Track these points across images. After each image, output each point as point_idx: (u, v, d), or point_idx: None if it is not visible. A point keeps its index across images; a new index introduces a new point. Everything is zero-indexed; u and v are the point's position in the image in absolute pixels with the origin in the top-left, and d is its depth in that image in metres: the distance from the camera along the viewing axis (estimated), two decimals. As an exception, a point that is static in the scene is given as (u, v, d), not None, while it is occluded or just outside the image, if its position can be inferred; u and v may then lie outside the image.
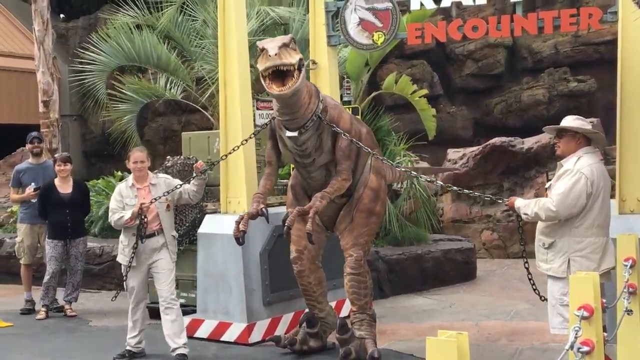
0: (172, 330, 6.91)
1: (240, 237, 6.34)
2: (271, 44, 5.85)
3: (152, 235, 6.91)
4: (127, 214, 6.83)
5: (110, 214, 7.06)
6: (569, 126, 5.42)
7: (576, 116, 5.59)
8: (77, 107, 25.85)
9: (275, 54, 5.72)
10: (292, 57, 5.85)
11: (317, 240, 6.83)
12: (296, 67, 5.86)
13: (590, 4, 13.42)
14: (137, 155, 7.06)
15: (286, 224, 6.23)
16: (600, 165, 5.37)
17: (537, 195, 12.14)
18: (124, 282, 7.04)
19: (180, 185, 7.12)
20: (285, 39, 5.98)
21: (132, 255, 6.85)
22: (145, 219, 6.80)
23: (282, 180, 9.25)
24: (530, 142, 12.51)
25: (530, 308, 8.74)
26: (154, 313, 8.67)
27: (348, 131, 6.44)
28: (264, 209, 6.41)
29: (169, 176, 7.37)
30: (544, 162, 12.35)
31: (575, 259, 5.35)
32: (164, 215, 6.99)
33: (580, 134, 5.36)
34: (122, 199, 6.97)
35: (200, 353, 7.16)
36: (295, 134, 6.30)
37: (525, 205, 5.52)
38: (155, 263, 6.96)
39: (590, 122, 5.70)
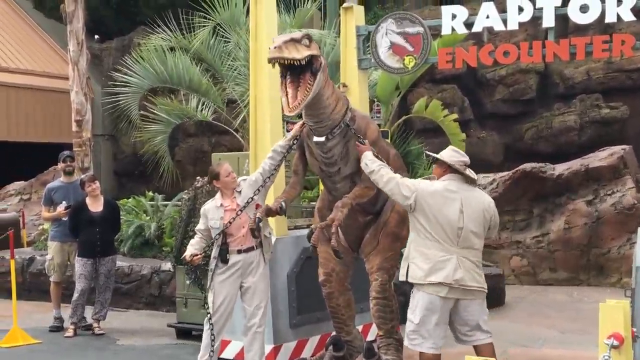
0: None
1: (255, 228, 6.27)
2: (277, 39, 5.80)
3: (249, 249, 6.63)
4: (188, 252, 6.59)
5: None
6: (437, 156, 5.97)
7: (452, 148, 6.02)
8: (110, 127, 26.17)
9: (276, 47, 5.65)
10: (298, 52, 5.70)
11: (344, 261, 6.82)
12: (303, 62, 5.72)
13: (623, 30, 13.34)
14: (227, 166, 6.75)
15: (311, 243, 6.20)
16: (444, 190, 5.74)
17: (567, 223, 12.04)
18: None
19: (262, 179, 6.62)
20: (296, 34, 5.91)
21: (210, 278, 6.60)
22: (226, 242, 6.54)
23: (311, 203, 9.27)
24: (561, 169, 12.41)
25: (560, 336, 8.65)
26: (180, 333, 8.75)
27: (374, 142, 6.39)
28: (282, 203, 6.35)
29: (245, 176, 7.00)
30: (575, 188, 12.24)
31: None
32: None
33: (446, 164, 5.83)
34: (206, 220, 6.69)
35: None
36: (322, 139, 6.24)
37: (376, 166, 5.98)
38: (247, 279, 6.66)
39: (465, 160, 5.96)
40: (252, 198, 6.57)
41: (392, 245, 6.69)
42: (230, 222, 6.50)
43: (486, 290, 5.84)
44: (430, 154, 6.21)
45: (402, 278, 5.87)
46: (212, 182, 6.79)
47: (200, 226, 6.73)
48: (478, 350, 5.90)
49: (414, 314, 5.77)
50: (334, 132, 6.23)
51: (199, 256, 6.56)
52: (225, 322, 6.72)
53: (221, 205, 6.66)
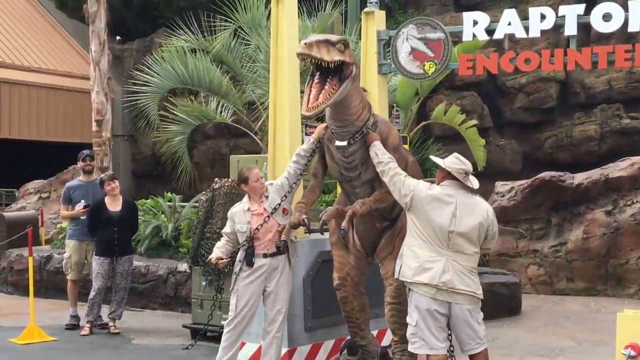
0: None
1: (281, 246, 6.34)
2: (314, 35, 5.82)
3: (275, 254, 6.59)
4: (214, 254, 6.60)
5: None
6: (437, 161, 6.07)
7: (456, 155, 6.05)
8: (129, 127, 26.33)
9: (306, 44, 5.66)
10: (328, 54, 5.72)
11: (359, 266, 6.82)
12: (330, 65, 5.74)
13: (645, 40, 13.26)
14: (257, 171, 6.73)
15: (323, 218, 6.21)
16: (439, 194, 5.82)
17: (585, 232, 11.97)
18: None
19: (288, 184, 6.64)
20: (333, 36, 5.92)
21: (234, 281, 6.58)
22: (252, 245, 6.53)
23: (328, 207, 9.26)
24: (580, 178, 12.35)
25: (576, 346, 8.59)
26: (196, 333, 8.76)
27: (396, 147, 6.40)
28: (305, 219, 6.37)
29: (271, 181, 6.96)
30: (594, 198, 12.17)
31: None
32: (285, 222, 6.54)
33: (446, 170, 5.90)
34: (233, 223, 6.66)
35: (240, 376, 7.17)
36: (344, 143, 6.26)
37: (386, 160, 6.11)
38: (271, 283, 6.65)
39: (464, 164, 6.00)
40: (279, 204, 6.59)
41: None
42: (258, 229, 6.50)
43: (480, 297, 5.81)
44: (433, 158, 6.29)
45: (395, 275, 5.99)
46: (241, 185, 6.78)
47: (227, 229, 6.74)
48: (471, 358, 5.92)
49: (411, 317, 5.85)
50: (356, 137, 6.26)
51: (225, 260, 6.58)
52: (247, 326, 6.71)
53: (249, 209, 6.64)
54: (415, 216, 5.86)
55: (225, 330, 6.67)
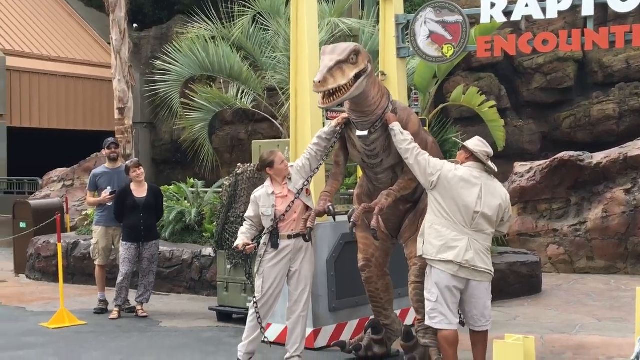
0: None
1: (307, 234, 6.46)
2: (323, 63, 5.94)
3: (299, 235, 6.61)
4: (240, 240, 6.65)
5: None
6: (463, 143, 6.26)
7: (479, 138, 6.25)
8: (148, 115, 26.56)
9: (319, 82, 5.83)
10: (344, 76, 5.91)
11: (383, 247, 6.95)
12: (348, 85, 5.92)
13: (663, 18, 13.24)
14: (280, 154, 6.77)
15: (352, 220, 6.34)
16: (466, 175, 6.00)
17: (605, 211, 12.04)
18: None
19: (309, 165, 6.75)
20: (342, 54, 6.00)
21: (259, 263, 6.68)
22: (277, 227, 6.58)
23: (348, 190, 9.39)
24: (599, 157, 12.39)
25: (596, 323, 8.69)
26: (222, 316, 8.95)
27: (416, 133, 6.51)
28: (330, 207, 6.50)
29: (291, 163, 6.99)
30: (613, 177, 12.22)
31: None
32: (310, 204, 6.71)
33: (470, 151, 6.10)
34: (257, 207, 6.68)
35: (267, 356, 7.31)
36: (365, 133, 6.40)
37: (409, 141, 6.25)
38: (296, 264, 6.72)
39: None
40: (304, 185, 6.68)
41: None
42: (287, 211, 6.58)
43: (492, 274, 6.11)
44: (459, 141, 6.59)
45: (418, 253, 6.18)
46: (265, 169, 6.83)
47: (250, 213, 6.79)
48: (474, 335, 6.18)
49: (430, 293, 6.07)
50: (376, 125, 6.39)
51: (252, 246, 6.67)
52: (272, 306, 6.81)
53: (273, 192, 6.68)
54: (440, 195, 6.01)
55: (250, 312, 6.79)
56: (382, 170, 6.64)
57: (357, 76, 6.05)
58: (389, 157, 6.53)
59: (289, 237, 6.65)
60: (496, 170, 6.17)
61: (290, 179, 6.73)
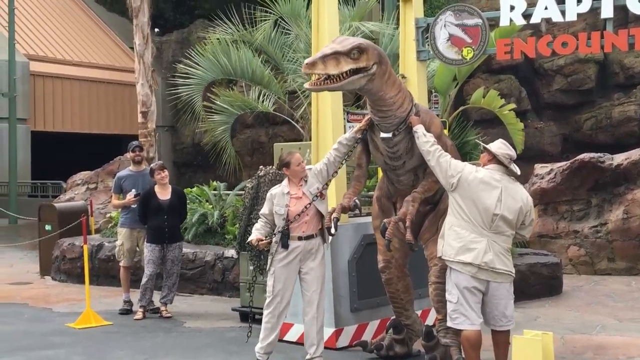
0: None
1: (332, 225, 6.51)
2: (322, 49, 6.05)
3: (310, 237, 6.73)
4: (253, 236, 6.74)
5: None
6: (486, 146, 6.32)
7: (502, 141, 6.31)
8: (170, 118, 26.77)
9: (308, 64, 5.91)
10: (337, 67, 5.93)
11: (403, 248, 7.01)
12: (339, 80, 5.97)
13: (684, 19, 13.21)
14: (298, 156, 6.85)
15: (386, 238, 6.42)
16: (487, 177, 6.06)
17: (626, 212, 12.04)
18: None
19: (326, 170, 6.83)
20: (344, 46, 6.02)
21: (270, 263, 6.76)
22: (288, 227, 6.66)
23: (369, 193, 9.47)
24: (620, 159, 12.39)
25: (617, 324, 8.71)
26: (244, 317, 9.05)
27: (439, 135, 6.60)
28: (356, 200, 6.62)
29: (310, 166, 7.09)
30: (634, 178, 12.21)
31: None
32: (322, 208, 6.77)
33: (492, 154, 6.16)
34: (272, 205, 6.77)
35: (289, 356, 7.43)
36: (389, 135, 6.49)
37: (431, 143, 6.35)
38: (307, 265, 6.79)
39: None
40: (320, 192, 6.75)
41: None
42: (299, 215, 6.66)
43: (513, 275, 6.17)
44: (482, 144, 6.58)
45: (438, 254, 6.27)
46: (283, 169, 6.96)
47: (264, 210, 6.90)
48: (495, 335, 6.19)
49: (451, 294, 6.15)
50: (400, 128, 6.48)
51: (265, 241, 6.75)
52: (286, 306, 6.89)
53: (288, 192, 6.77)
54: (460, 197, 6.09)
55: (265, 312, 6.88)
56: (404, 172, 6.72)
57: (354, 72, 6.07)
58: (412, 159, 6.62)
59: (299, 238, 6.72)
60: (518, 172, 6.23)
61: (306, 181, 6.81)
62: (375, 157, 6.86)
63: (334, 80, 6.03)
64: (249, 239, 6.91)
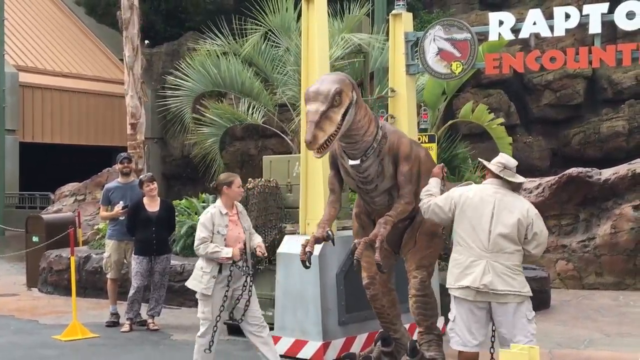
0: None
1: (306, 260, 6.40)
2: (309, 117, 5.84)
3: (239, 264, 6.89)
4: (224, 252, 6.74)
5: (198, 242, 6.80)
6: (483, 162, 6.25)
7: (501, 154, 6.21)
8: (159, 130, 26.71)
9: (310, 141, 5.72)
10: (331, 124, 5.79)
11: (387, 264, 6.93)
12: (337, 129, 5.85)
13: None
14: (239, 180, 7.00)
15: (355, 257, 6.31)
16: (478, 194, 5.94)
17: (613, 227, 12.07)
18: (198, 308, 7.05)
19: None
20: (326, 101, 5.84)
21: (212, 284, 6.81)
22: (245, 256, 6.84)
23: (350, 206, 9.46)
24: (607, 173, 12.44)
25: (605, 338, 8.72)
26: (232, 330, 9.01)
27: (408, 155, 6.52)
28: (329, 232, 6.51)
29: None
30: (622, 193, 12.26)
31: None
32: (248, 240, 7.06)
33: (489, 169, 6.05)
34: (213, 227, 6.80)
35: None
36: (357, 162, 6.37)
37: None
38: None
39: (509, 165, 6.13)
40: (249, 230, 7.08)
41: (429, 243, 6.83)
42: (236, 239, 6.86)
43: (523, 293, 5.83)
44: (480, 160, 6.50)
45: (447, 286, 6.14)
46: (223, 187, 6.93)
47: (204, 234, 6.79)
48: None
49: (450, 314, 6.06)
50: (368, 153, 6.37)
51: (238, 250, 6.80)
52: (218, 328, 7.04)
53: (227, 213, 6.88)
54: (457, 223, 5.98)
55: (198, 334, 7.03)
56: (378, 194, 6.64)
57: (344, 114, 5.96)
58: (384, 181, 6.53)
59: (233, 263, 6.81)
60: (519, 181, 6.04)
61: (239, 210, 6.99)
62: (347, 181, 6.78)
63: (335, 133, 5.89)
64: (229, 255, 6.78)
